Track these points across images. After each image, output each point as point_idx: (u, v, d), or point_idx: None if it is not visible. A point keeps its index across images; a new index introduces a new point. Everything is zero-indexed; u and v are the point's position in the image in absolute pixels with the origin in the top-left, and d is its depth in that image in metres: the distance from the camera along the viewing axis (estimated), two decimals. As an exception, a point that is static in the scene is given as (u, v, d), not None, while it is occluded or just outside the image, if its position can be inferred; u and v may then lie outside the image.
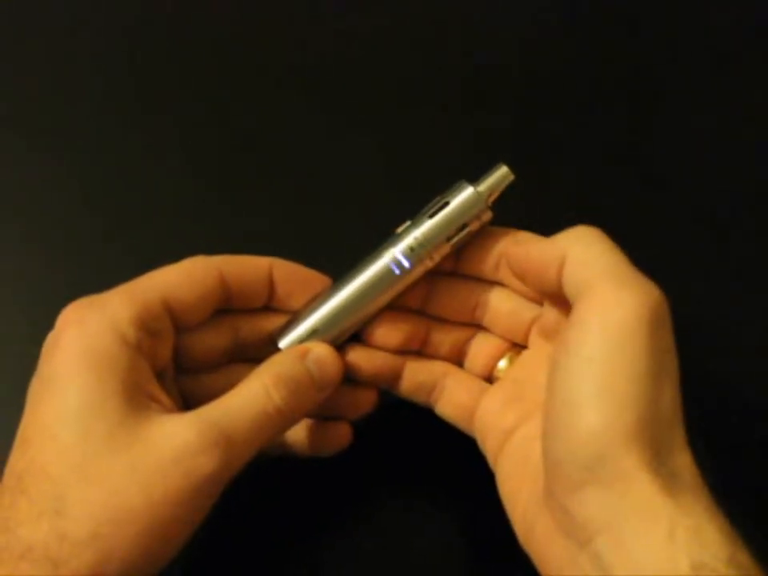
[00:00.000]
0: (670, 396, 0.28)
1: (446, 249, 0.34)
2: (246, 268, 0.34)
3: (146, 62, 0.50)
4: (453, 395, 0.36)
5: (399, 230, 0.35)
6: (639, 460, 0.26)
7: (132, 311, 0.30)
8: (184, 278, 0.32)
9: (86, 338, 0.28)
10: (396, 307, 0.35)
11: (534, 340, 0.36)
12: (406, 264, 0.34)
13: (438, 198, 0.35)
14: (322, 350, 0.32)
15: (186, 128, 0.48)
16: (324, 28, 0.51)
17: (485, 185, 0.34)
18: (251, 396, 0.29)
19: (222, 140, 0.47)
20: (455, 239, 0.34)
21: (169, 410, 0.29)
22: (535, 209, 0.43)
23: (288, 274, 0.34)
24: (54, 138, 0.47)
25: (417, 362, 0.36)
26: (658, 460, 0.26)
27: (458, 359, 0.37)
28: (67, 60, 0.49)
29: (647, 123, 0.49)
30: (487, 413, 0.35)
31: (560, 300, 0.32)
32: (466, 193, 0.34)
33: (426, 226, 0.34)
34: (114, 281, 0.42)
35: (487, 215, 0.34)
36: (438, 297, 0.36)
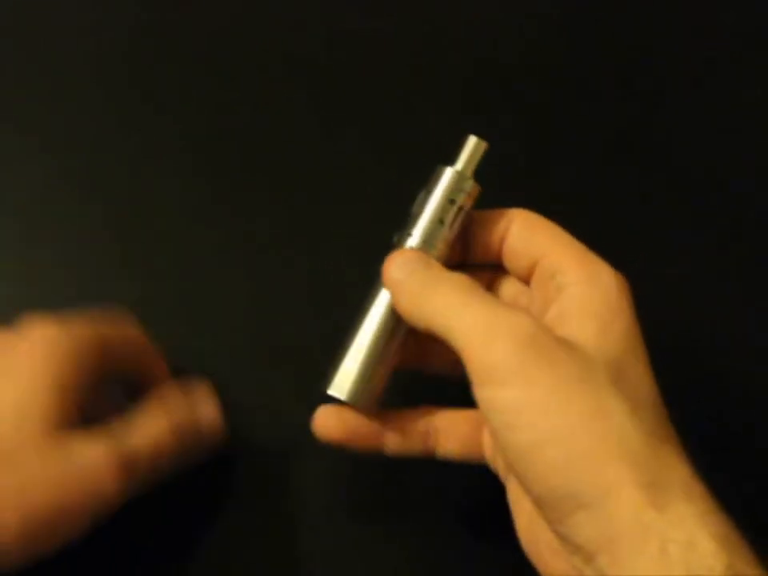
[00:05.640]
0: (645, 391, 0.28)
1: (444, 233, 0.33)
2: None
3: (145, 62, 0.50)
4: (452, 431, 0.34)
5: (395, 238, 0.34)
6: (619, 478, 0.26)
7: (95, 346, 0.33)
8: (123, 335, 0.35)
9: (53, 349, 0.32)
10: None
11: None
12: None
13: (421, 193, 0.34)
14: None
15: (186, 128, 0.48)
16: (325, 28, 0.51)
17: (460, 161, 0.34)
18: (152, 423, 0.33)
19: (221, 140, 0.47)
20: (449, 219, 0.33)
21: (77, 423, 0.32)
22: (537, 206, 0.43)
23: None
24: (54, 138, 0.47)
25: (398, 415, 0.34)
26: (639, 471, 0.26)
27: None
28: (67, 59, 0.49)
29: (647, 121, 0.49)
30: None
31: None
32: (442, 173, 0.34)
33: (415, 216, 0.33)
34: (113, 280, 0.43)
35: (474, 188, 0.34)
36: None
